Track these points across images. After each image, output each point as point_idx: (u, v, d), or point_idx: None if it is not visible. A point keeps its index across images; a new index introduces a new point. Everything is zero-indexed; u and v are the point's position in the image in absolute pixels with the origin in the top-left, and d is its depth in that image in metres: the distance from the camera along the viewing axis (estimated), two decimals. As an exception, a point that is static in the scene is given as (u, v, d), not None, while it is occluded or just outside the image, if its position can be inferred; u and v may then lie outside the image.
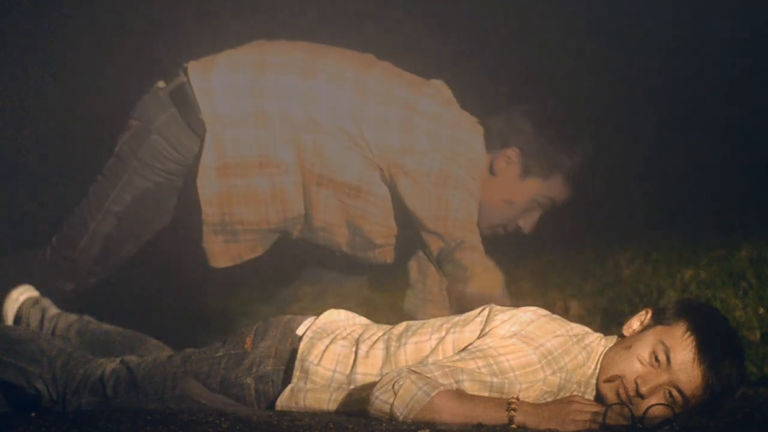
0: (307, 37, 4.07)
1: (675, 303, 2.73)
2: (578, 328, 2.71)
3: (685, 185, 4.62)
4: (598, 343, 2.70)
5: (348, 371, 2.72)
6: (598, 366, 2.67)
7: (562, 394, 2.63)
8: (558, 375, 2.62)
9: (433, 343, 2.71)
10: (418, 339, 2.73)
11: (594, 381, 2.66)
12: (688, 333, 2.61)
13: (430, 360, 2.67)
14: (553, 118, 3.64)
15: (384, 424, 2.46)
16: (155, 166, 3.58)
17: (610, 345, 2.70)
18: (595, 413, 2.50)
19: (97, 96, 4.42)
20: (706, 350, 2.59)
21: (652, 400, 2.60)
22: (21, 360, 2.96)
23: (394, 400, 2.49)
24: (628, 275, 4.07)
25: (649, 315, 2.72)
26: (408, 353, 2.71)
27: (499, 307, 2.75)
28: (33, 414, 2.55)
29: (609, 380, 2.64)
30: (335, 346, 2.76)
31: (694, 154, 4.66)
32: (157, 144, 3.57)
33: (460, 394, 2.52)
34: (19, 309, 3.44)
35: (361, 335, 2.79)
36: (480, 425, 2.46)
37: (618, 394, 2.62)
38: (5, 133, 4.47)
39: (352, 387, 2.70)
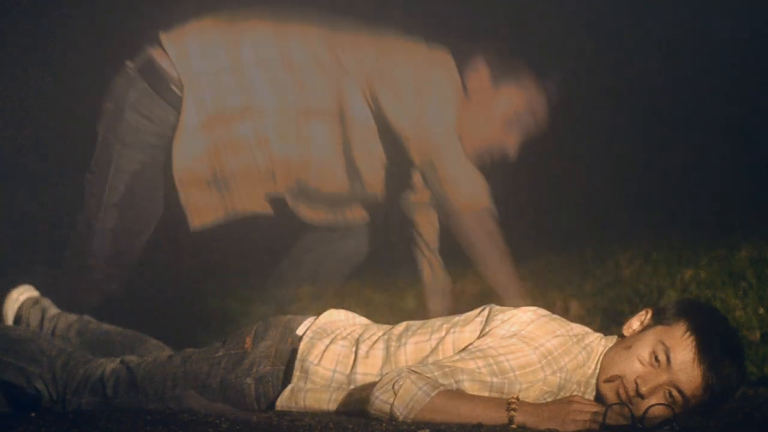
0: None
1: (675, 303, 2.73)
2: (578, 328, 2.71)
3: (685, 185, 4.63)
4: (598, 343, 2.70)
5: (348, 371, 2.72)
6: (598, 366, 2.67)
7: (562, 394, 2.63)
8: (558, 375, 2.62)
9: (433, 343, 2.71)
10: (418, 339, 2.73)
11: (594, 381, 2.67)
12: (688, 333, 2.61)
13: (430, 360, 2.67)
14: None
15: (384, 424, 2.46)
16: (135, 143, 3.63)
17: (610, 345, 2.70)
18: (595, 413, 2.50)
19: (97, 96, 4.41)
20: (706, 350, 2.59)
21: (652, 400, 2.60)
22: (21, 360, 2.96)
23: (394, 400, 2.49)
24: (628, 275, 4.07)
25: (649, 315, 2.72)
26: (408, 353, 2.71)
27: (499, 307, 2.75)
28: (33, 414, 2.55)
29: (609, 380, 2.64)
30: (335, 346, 2.76)
31: (694, 154, 4.66)
32: (133, 120, 3.63)
33: (460, 394, 2.52)
34: (19, 309, 3.44)
35: (361, 335, 2.79)
36: (480, 425, 2.46)
37: (618, 394, 2.62)
38: (5, 133, 4.47)
39: (352, 387, 2.70)
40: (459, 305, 3.97)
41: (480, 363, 2.58)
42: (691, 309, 2.68)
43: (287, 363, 2.77)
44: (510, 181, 4.80)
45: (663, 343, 2.61)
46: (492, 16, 4.75)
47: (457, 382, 2.54)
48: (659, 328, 2.65)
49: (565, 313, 3.90)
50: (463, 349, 2.66)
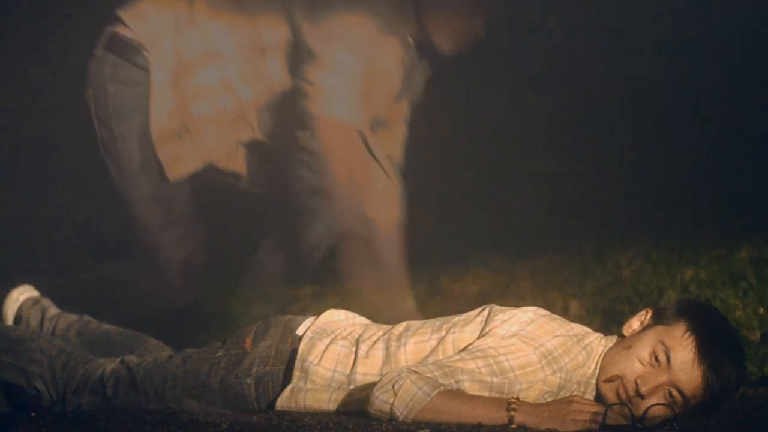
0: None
1: (675, 303, 2.73)
2: (578, 328, 2.71)
3: (685, 185, 4.62)
4: (598, 343, 2.70)
5: (348, 371, 2.72)
6: (598, 366, 2.67)
7: (562, 394, 2.63)
8: (558, 375, 2.62)
9: (433, 343, 2.71)
10: (418, 339, 2.73)
11: (594, 381, 2.66)
12: (688, 333, 2.61)
13: (430, 360, 2.67)
14: None
15: (384, 424, 2.46)
16: (128, 109, 3.78)
17: (610, 345, 2.70)
18: (595, 413, 2.50)
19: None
20: (706, 350, 2.59)
21: (652, 400, 2.60)
22: (21, 360, 2.96)
23: (394, 400, 2.49)
24: (628, 275, 4.07)
25: (649, 315, 2.72)
26: (408, 353, 2.71)
27: (499, 307, 2.75)
28: (33, 414, 2.54)
29: (609, 380, 2.64)
30: (335, 346, 2.76)
31: (694, 154, 4.66)
32: (116, 90, 3.77)
33: (460, 394, 2.52)
34: (19, 309, 3.44)
35: (361, 335, 2.79)
36: (480, 425, 2.46)
37: (618, 394, 2.62)
38: (5, 133, 4.47)
39: (352, 387, 2.70)
40: (459, 305, 3.97)
41: (480, 363, 2.58)
42: (691, 309, 2.68)
43: (287, 363, 2.77)
44: (510, 181, 4.81)
45: (663, 343, 2.61)
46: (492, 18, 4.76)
47: (457, 382, 2.54)
48: (659, 328, 2.65)
49: (565, 313, 3.90)
50: (463, 349, 2.66)
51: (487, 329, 2.68)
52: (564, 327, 2.68)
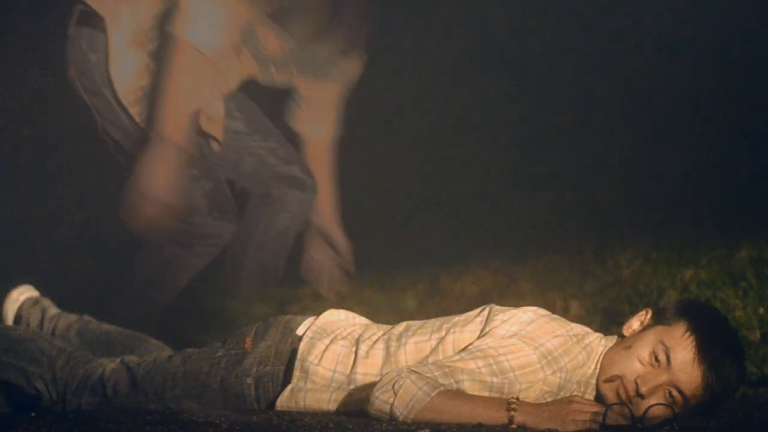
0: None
1: (675, 303, 2.73)
2: (578, 328, 2.71)
3: (685, 185, 4.62)
4: (598, 343, 2.70)
5: (348, 371, 2.72)
6: (598, 366, 2.67)
7: (562, 394, 2.63)
8: (558, 375, 2.62)
9: (433, 343, 2.71)
10: (418, 339, 2.73)
11: (594, 381, 2.67)
12: (688, 333, 2.61)
13: (430, 360, 2.67)
14: None
15: (384, 424, 2.46)
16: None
17: (610, 345, 2.70)
18: (595, 413, 2.50)
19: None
20: (706, 350, 2.59)
21: (652, 400, 2.60)
22: (21, 360, 2.96)
23: (394, 400, 2.49)
24: (628, 275, 4.07)
25: (649, 315, 2.72)
26: (408, 353, 2.71)
27: (499, 307, 2.75)
28: (33, 414, 2.54)
29: (609, 380, 2.64)
30: (335, 346, 2.76)
31: (694, 154, 4.66)
32: (99, 58, 3.82)
33: (460, 394, 2.52)
34: (19, 309, 3.44)
35: (361, 335, 2.79)
36: (480, 425, 2.46)
37: (618, 394, 2.62)
38: (5, 133, 4.47)
39: (352, 387, 2.70)
40: (459, 305, 3.97)
41: (480, 363, 2.58)
42: (691, 309, 2.68)
43: (287, 363, 2.77)
44: (510, 181, 4.81)
45: (663, 343, 2.61)
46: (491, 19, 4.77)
47: (457, 382, 2.54)
48: (659, 328, 2.65)
49: (565, 313, 3.90)
50: (463, 349, 2.66)
51: (487, 329, 2.68)
52: (564, 327, 2.68)
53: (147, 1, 3.82)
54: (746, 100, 4.65)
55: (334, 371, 2.73)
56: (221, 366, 2.80)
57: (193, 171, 3.89)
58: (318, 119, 4.23)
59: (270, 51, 3.96)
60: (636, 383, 2.60)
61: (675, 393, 2.60)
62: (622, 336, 2.72)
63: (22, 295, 3.47)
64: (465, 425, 2.46)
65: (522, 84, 4.91)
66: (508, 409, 2.48)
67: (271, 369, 2.77)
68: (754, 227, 4.08)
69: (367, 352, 2.73)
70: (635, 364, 2.62)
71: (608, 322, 3.81)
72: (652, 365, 2.61)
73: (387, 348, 2.73)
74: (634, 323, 2.72)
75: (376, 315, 3.15)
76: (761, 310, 3.53)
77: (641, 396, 2.60)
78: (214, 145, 3.96)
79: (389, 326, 2.82)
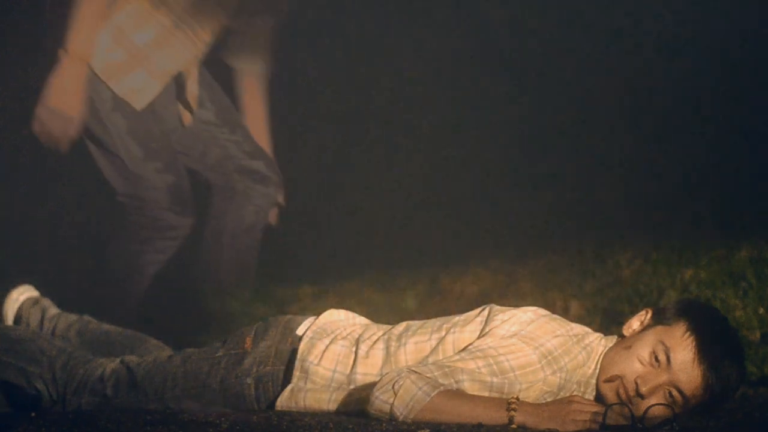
0: (308, 38, 4.10)
1: (675, 303, 2.73)
2: (578, 328, 2.71)
3: (685, 185, 4.62)
4: (598, 343, 2.70)
5: (348, 371, 2.72)
6: (598, 366, 2.67)
7: (562, 394, 2.63)
8: (558, 375, 2.62)
9: (433, 343, 2.71)
10: (418, 339, 2.73)
11: (594, 381, 2.66)
12: (688, 333, 2.61)
13: (430, 360, 2.67)
14: None
15: (384, 424, 2.46)
16: None
17: (610, 345, 2.70)
18: (595, 413, 2.50)
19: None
20: (706, 350, 2.59)
21: (652, 400, 2.60)
22: (21, 360, 2.96)
23: (394, 400, 2.49)
24: (628, 275, 4.06)
25: (649, 315, 2.72)
26: (408, 353, 2.71)
27: (499, 307, 2.75)
28: (33, 414, 2.55)
29: (609, 380, 2.64)
30: (335, 346, 2.76)
31: (694, 154, 4.66)
32: None
33: (460, 394, 2.52)
34: (19, 309, 3.44)
35: (361, 335, 2.79)
36: (480, 425, 2.46)
37: (618, 394, 2.62)
38: (5, 133, 4.47)
39: (352, 387, 2.70)
40: (459, 305, 3.97)
41: (480, 363, 2.58)
42: (691, 309, 2.68)
43: (287, 363, 2.77)
44: (510, 181, 4.81)
45: (663, 343, 2.61)
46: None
47: (457, 382, 2.54)
48: (659, 328, 2.65)
49: (565, 313, 3.90)
50: (463, 349, 2.66)
51: (487, 329, 2.68)
52: (564, 327, 2.68)
53: None
54: (746, 100, 4.64)
55: (334, 371, 2.73)
56: (221, 366, 2.80)
57: (157, 164, 3.97)
58: (251, 53, 4.27)
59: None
60: (636, 383, 2.60)
61: (675, 393, 2.60)
62: (622, 336, 2.72)
63: (22, 295, 3.47)
64: (465, 425, 2.46)
65: (522, 84, 4.91)
66: (508, 409, 2.48)
67: (271, 369, 2.77)
68: (754, 227, 4.08)
69: (367, 352, 2.73)
70: (635, 364, 2.62)
71: (608, 322, 3.81)
72: (652, 365, 2.61)
73: (387, 348, 2.73)
74: (634, 323, 2.72)
75: (376, 315, 3.15)
76: (761, 310, 3.52)
77: (641, 396, 2.59)
78: (186, 117, 4.06)
79: (389, 326, 2.82)
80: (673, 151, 4.72)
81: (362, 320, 2.91)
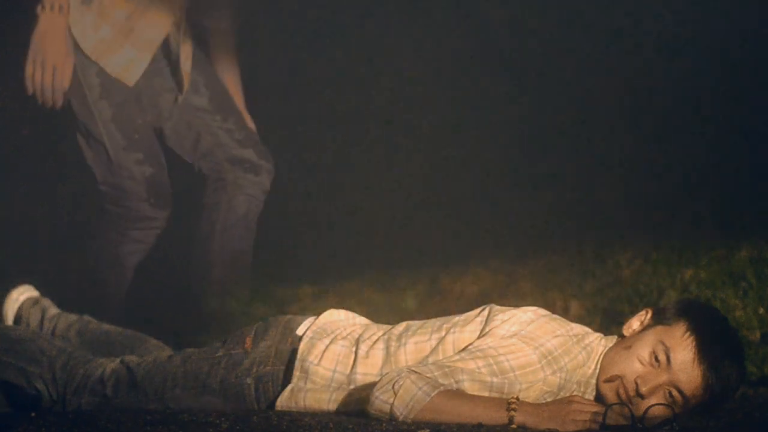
0: (308, 38, 4.10)
1: (675, 303, 2.73)
2: (578, 328, 2.71)
3: (685, 185, 4.62)
4: (598, 343, 2.70)
5: (348, 371, 2.72)
6: (598, 366, 2.67)
7: (562, 394, 2.63)
8: (558, 375, 2.62)
9: (433, 343, 2.71)
10: (418, 339, 2.73)
11: (594, 381, 2.67)
12: (688, 333, 2.61)
13: (430, 360, 2.67)
14: None
15: (384, 424, 2.46)
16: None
17: (610, 345, 2.70)
18: (595, 413, 2.50)
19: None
20: (706, 350, 2.59)
21: (652, 400, 2.60)
22: (21, 360, 2.96)
23: (394, 400, 2.49)
24: (628, 275, 4.06)
25: (649, 315, 2.72)
26: (408, 353, 2.71)
27: (499, 307, 2.75)
28: (33, 414, 2.55)
29: (609, 380, 2.64)
30: (335, 346, 2.76)
31: (694, 154, 4.66)
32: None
33: (460, 394, 2.52)
34: (19, 309, 3.44)
35: (361, 335, 2.79)
36: (480, 425, 2.46)
37: (618, 394, 2.62)
38: (5, 133, 4.47)
39: (352, 387, 2.70)
40: (459, 305, 3.97)
41: (480, 363, 2.58)
42: (691, 309, 2.68)
43: (287, 363, 2.77)
44: (510, 181, 4.81)
45: (663, 343, 2.61)
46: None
47: (457, 382, 2.54)
48: (659, 328, 2.65)
49: (565, 313, 3.90)
50: (463, 349, 2.66)
51: (487, 329, 2.68)
52: (564, 327, 2.68)
53: None
54: (746, 100, 4.64)
55: (334, 371, 2.73)
56: (221, 366, 2.80)
57: (138, 155, 4.00)
58: (218, 10, 4.32)
59: None
60: (636, 383, 2.60)
61: (675, 393, 2.60)
62: (622, 336, 2.72)
63: (22, 295, 3.47)
64: (465, 425, 2.46)
65: (522, 84, 4.91)
66: (508, 409, 2.48)
67: (271, 369, 2.77)
68: (754, 227, 4.08)
69: (367, 352, 2.73)
70: (635, 364, 2.62)
71: (608, 322, 3.81)
72: (652, 365, 2.61)
73: (387, 348, 2.73)
74: (634, 323, 2.72)
75: (376, 315, 3.15)
76: (761, 310, 3.52)
77: (641, 396, 2.60)
78: (182, 90, 4.09)
79: (389, 326, 2.82)
80: (673, 151, 4.71)
81: (362, 320, 2.91)
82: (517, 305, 2.78)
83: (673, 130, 4.78)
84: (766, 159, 4.50)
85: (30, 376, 2.94)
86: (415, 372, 2.53)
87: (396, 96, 4.95)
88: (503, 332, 2.65)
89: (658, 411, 2.58)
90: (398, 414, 2.48)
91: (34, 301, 3.44)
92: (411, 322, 2.82)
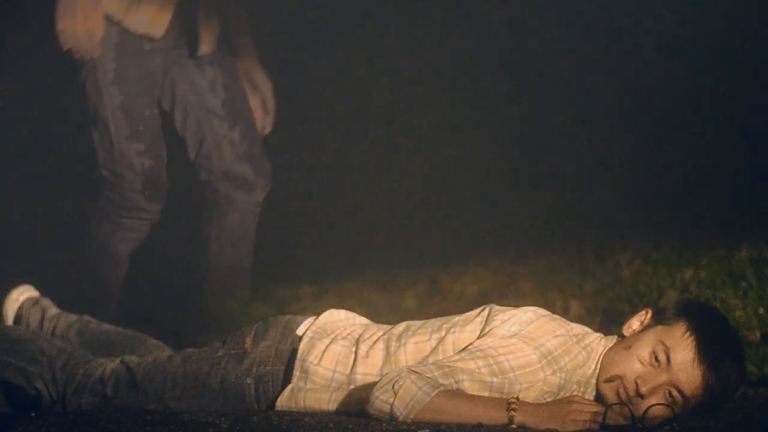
0: (308, 38, 4.10)
1: (675, 303, 2.73)
2: (578, 328, 2.71)
3: (685, 185, 4.62)
4: (598, 343, 2.70)
5: (348, 371, 2.72)
6: (598, 366, 2.67)
7: (562, 394, 2.63)
8: (558, 375, 2.62)
9: (433, 343, 2.71)
10: (418, 339, 2.73)
11: (594, 381, 2.67)
12: (688, 333, 2.61)
13: (430, 360, 2.67)
14: None
15: (384, 424, 2.46)
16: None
17: (610, 345, 2.70)
18: (595, 413, 2.50)
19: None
20: (706, 350, 2.59)
21: (652, 400, 2.60)
22: (21, 360, 2.96)
23: (394, 400, 2.49)
24: (628, 275, 4.06)
25: (649, 315, 2.72)
26: (408, 353, 2.71)
27: (499, 307, 2.75)
28: (33, 414, 2.55)
29: (609, 380, 2.64)
30: (335, 346, 2.76)
31: (694, 154, 4.66)
32: None
33: (460, 394, 2.52)
34: (19, 309, 3.44)
35: (361, 335, 2.79)
36: (480, 425, 2.46)
37: (618, 394, 2.62)
38: (5, 133, 4.47)
39: (352, 387, 2.70)
40: (459, 305, 3.97)
41: (480, 363, 2.58)
42: (691, 309, 2.68)
43: (287, 363, 2.77)
44: (510, 181, 4.81)
45: (663, 343, 2.61)
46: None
47: (457, 382, 2.54)
48: (659, 328, 2.65)
49: (565, 313, 3.90)
50: (463, 349, 2.66)
51: (487, 329, 2.68)
52: (564, 327, 2.68)
53: None
54: (746, 100, 4.64)
55: (334, 371, 2.73)
56: (221, 366, 2.80)
57: (139, 146, 4.01)
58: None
59: None
60: (636, 383, 2.60)
61: (675, 393, 2.60)
62: (622, 336, 2.72)
63: (22, 295, 3.47)
64: (465, 425, 2.46)
65: (522, 84, 4.91)
66: (508, 409, 2.48)
67: (271, 369, 2.77)
68: (754, 227, 4.08)
69: (367, 352, 2.73)
70: (635, 364, 2.62)
71: (608, 322, 3.81)
72: (652, 365, 2.61)
73: (387, 348, 2.73)
74: (634, 323, 2.72)
75: (376, 315, 3.15)
76: (761, 310, 3.52)
77: (641, 396, 2.60)
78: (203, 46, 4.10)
79: (389, 326, 2.82)
80: (673, 151, 4.71)
81: (362, 320, 2.91)
82: (517, 305, 2.78)
83: (673, 130, 4.78)
84: (766, 159, 4.50)
85: (30, 376, 2.94)
86: (415, 372, 2.53)
87: (396, 96, 4.95)
88: (503, 332, 2.65)
89: (658, 411, 2.58)
90: (398, 414, 2.48)
91: (34, 301, 3.44)
92: (411, 322, 2.82)
